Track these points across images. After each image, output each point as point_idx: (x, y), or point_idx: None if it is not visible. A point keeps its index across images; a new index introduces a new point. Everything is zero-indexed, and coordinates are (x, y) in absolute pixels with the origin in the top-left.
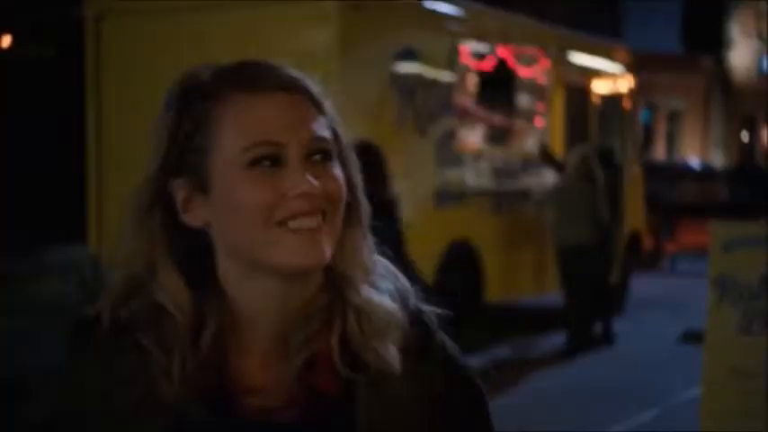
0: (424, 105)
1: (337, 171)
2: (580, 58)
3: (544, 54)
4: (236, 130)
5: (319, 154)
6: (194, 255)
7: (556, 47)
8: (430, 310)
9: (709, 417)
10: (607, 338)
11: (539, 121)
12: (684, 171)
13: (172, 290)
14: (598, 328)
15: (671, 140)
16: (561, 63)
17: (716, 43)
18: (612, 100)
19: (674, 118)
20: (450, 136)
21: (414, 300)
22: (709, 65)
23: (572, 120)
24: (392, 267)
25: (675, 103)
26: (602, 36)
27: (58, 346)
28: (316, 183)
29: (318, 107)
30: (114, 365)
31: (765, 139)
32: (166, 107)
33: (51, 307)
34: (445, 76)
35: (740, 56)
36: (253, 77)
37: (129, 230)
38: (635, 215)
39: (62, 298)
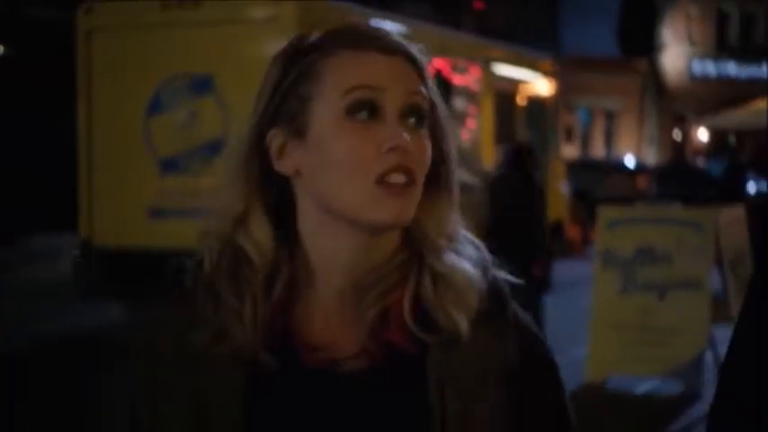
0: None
1: (426, 137)
2: (507, 68)
3: (476, 64)
4: (337, 78)
5: (414, 115)
6: (279, 204)
7: (485, 58)
8: (505, 280)
9: (594, 366)
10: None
11: (471, 123)
12: (618, 167)
13: (259, 237)
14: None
15: (608, 138)
16: (490, 72)
17: (649, 47)
18: (536, 103)
19: (610, 117)
20: None
21: (492, 269)
22: (644, 67)
23: (500, 121)
24: (473, 237)
25: (612, 104)
26: (543, 41)
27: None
28: (408, 141)
29: (419, 73)
30: (191, 309)
31: (696, 137)
32: (272, 64)
33: (42, 290)
34: None
35: (672, 59)
36: (359, 37)
37: (229, 179)
38: (557, 205)
39: (51, 282)
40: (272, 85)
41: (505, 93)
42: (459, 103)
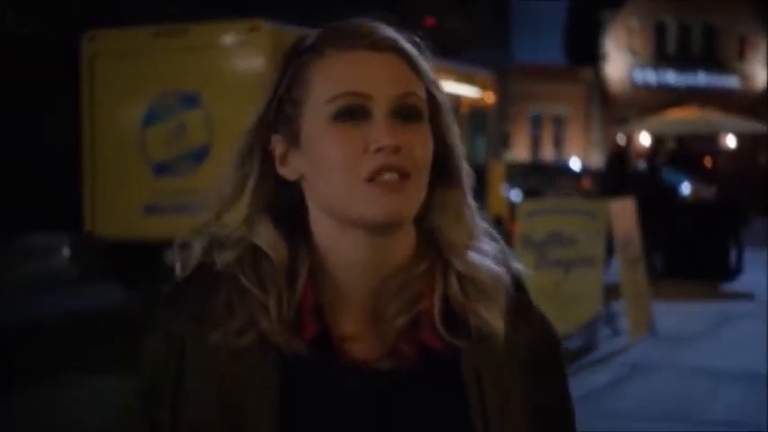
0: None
1: (426, 132)
2: (450, 85)
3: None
4: (325, 82)
5: (408, 112)
6: (290, 207)
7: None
8: (520, 266)
9: None
10: None
11: None
12: (564, 169)
13: (266, 235)
14: None
15: (557, 143)
16: (435, 86)
17: (593, 57)
18: (478, 113)
19: (558, 123)
20: None
21: (514, 263)
22: (589, 76)
23: None
24: (492, 231)
25: (559, 110)
26: (494, 53)
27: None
28: (399, 138)
29: (414, 68)
30: (208, 308)
31: (638, 142)
32: (275, 67)
33: (44, 280)
34: None
35: (614, 68)
36: (348, 36)
37: (230, 181)
38: (497, 203)
39: (52, 273)
40: (272, 89)
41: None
42: None
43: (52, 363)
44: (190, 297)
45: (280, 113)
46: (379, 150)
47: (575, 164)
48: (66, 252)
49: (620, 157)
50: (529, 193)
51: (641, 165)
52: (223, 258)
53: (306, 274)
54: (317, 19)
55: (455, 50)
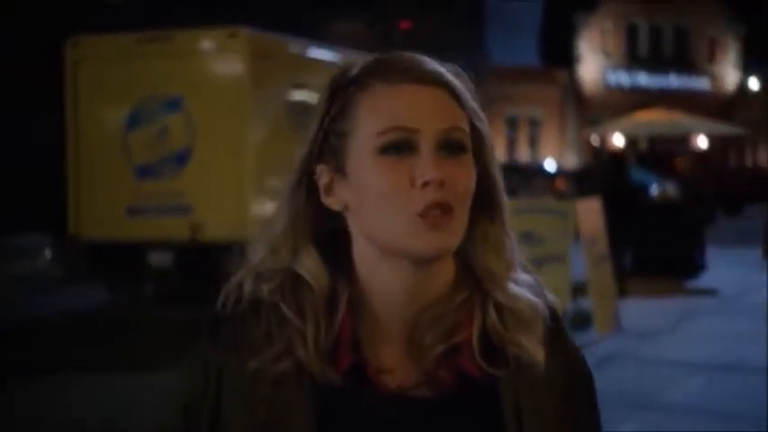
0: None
1: (469, 164)
2: None
3: None
4: (371, 116)
5: (452, 146)
6: (333, 236)
7: None
8: (553, 297)
9: None
10: None
11: None
12: (540, 170)
13: (310, 266)
14: None
15: (533, 144)
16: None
17: (568, 58)
18: None
19: (534, 124)
20: None
21: (548, 294)
22: (563, 78)
23: None
24: (525, 263)
25: (535, 112)
26: (471, 55)
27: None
28: (445, 172)
29: (458, 101)
30: (247, 338)
31: (611, 142)
32: (320, 97)
33: (30, 280)
34: None
35: (588, 70)
36: (394, 69)
37: (278, 211)
38: None
39: (38, 272)
40: (317, 120)
41: None
42: None
43: (39, 363)
44: (228, 328)
45: (325, 144)
46: (425, 184)
47: (550, 165)
48: (49, 253)
49: (617, 159)
50: (518, 195)
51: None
52: (265, 287)
53: (345, 305)
54: (294, 22)
55: (431, 53)
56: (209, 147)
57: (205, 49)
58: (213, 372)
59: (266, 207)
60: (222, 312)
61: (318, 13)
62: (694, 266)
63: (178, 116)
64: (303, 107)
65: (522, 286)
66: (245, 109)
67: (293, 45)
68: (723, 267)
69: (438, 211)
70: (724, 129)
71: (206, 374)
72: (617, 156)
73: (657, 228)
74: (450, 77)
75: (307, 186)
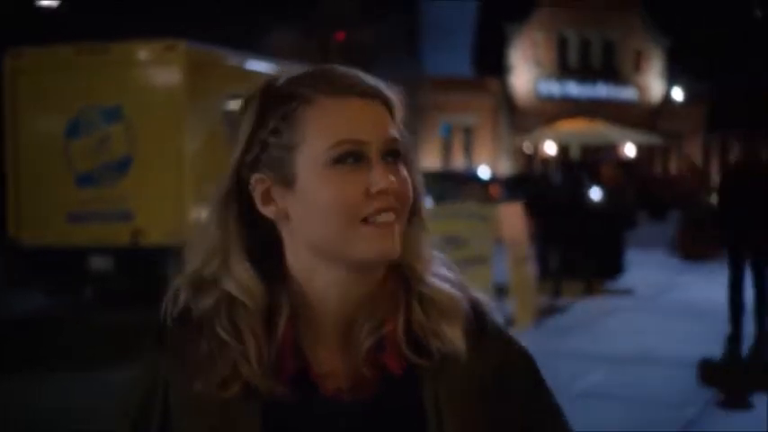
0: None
1: (405, 172)
2: None
3: None
4: (322, 130)
5: (392, 155)
6: (265, 246)
7: None
8: (481, 295)
9: None
10: None
11: None
12: (473, 177)
13: (243, 279)
14: None
15: (467, 151)
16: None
17: (501, 68)
18: None
19: (468, 132)
20: None
21: (472, 290)
22: (496, 87)
23: None
24: (445, 258)
25: (469, 120)
26: (406, 65)
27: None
28: (392, 181)
29: (391, 113)
30: (191, 354)
31: (543, 150)
32: (243, 110)
33: None
34: None
35: (520, 79)
36: (338, 83)
37: (207, 222)
38: None
39: None
40: (249, 131)
41: None
42: None
43: None
44: (174, 340)
45: (263, 155)
46: (380, 193)
47: (483, 172)
48: None
49: (573, 169)
50: (439, 200)
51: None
52: (200, 306)
53: (286, 316)
54: (231, 33)
55: (367, 64)
56: (148, 155)
57: (144, 60)
58: (161, 382)
59: (204, 213)
60: (165, 325)
61: (255, 24)
62: (614, 268)
63: (118, 125)
64: (240, 118)
65: (444, 281)
66: (182, 119)
67: (230, 57)
68: (643, 269)
69: (391, 215)
70: (646, 139)
71: (155, 383)
72: (543, 163)
73: (582, 231)
74: (387, 92)
75: (238, 197)
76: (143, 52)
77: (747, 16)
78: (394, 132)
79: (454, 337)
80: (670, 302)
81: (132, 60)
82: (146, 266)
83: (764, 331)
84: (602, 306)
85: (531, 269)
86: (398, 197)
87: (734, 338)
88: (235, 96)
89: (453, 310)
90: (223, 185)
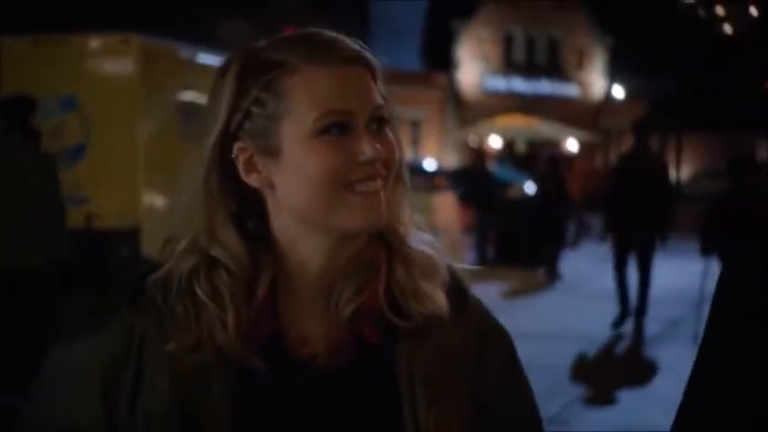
0: (200, 125)
1: (391, 136)
2: None
3: None
4: (309, 100)
5: (377, 121)
6: (250, 211)
7: None
8: (455, 263)
9: None
10: None
11: None
12: (419, 169)
13: (227, 243)
14: None
15: (414, 145)
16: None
17: (448, 63)
18: None
19: (415, 126)
20: None
21: (444, 253)
22: (443, 82)
23: None
24: (422, 224)
25: (416, 114)
26: None
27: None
28: (378, 149)
29: (374, 78)
30: (167, 315)
31: (488, 144)
32: (222, 79)
33: None
34: None
35: (467, 74)
36: (319, 50)
37: (190, 191)
38: None
39: None
40: (230, 100)
41: None
42: None
43: None
44: (152, 299)
45: (247, 124)
46: (366, 163)
47: (429, 164)
48: None
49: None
50: None
51: (502, 167)
52: (180, 269)
53: (267, 282)
54: (182, 25)
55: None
56: (102, 142)
57: (100, 52)
58: (136, 339)
59: (156, 198)
60: (144, 284)
61: (207, 18)
62: (549, 257)
63: (73, 114)
64: (192, 107)
65: (423, 244)
66: (136, 109)
67: (183, 50)
68: (576, 258)
69: (377, 184)
70: (588, 135)
71: (129, 339)
72: (481, 156)
73: (517, 223)
74: (368, 55)
75: (221, 165)
76: (100, 45)
77: (684, 18)
78: (379, 99)
79: (436, 296)
80: (592, 288)
81: (88, 52)
82: (100, 249)
83: (639, 319)
84: (531, 290)
85: (462, 255)
86: (385, 164)
87: (619, 323)
88: (187, 87)
89: (435, 271)
90: (206, 153)
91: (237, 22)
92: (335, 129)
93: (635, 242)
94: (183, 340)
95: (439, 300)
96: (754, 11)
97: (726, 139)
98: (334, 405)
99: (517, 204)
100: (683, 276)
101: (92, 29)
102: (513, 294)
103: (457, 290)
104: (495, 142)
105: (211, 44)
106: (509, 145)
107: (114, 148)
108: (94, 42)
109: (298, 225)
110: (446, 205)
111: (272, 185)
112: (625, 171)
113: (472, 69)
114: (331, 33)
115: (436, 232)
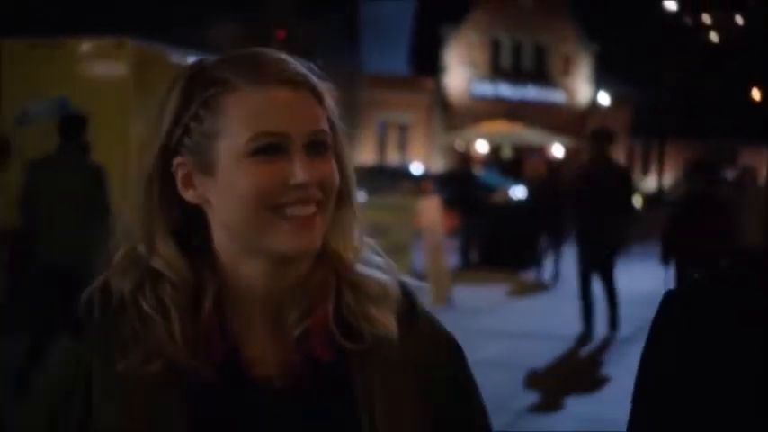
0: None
1: (332, 162)
2: None
3: None
4: (243, 120)
5: (318, 146)
6: (192, 228)
7: None
8: (411, 282)
9: None
10: None
11: None
12: (407, 173)
13: (168, 256)
14: None
15: (402, 148)
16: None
17: (436, 68)
18: None
19: (403, 130)
20: None
21: (397, 273)
22: (431, 86)
23: None
24: (375, 246)
25: (404, 118)
26: (344, 63)
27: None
28: (313, 173)
29: (319, 100)
30: (115, 336)
31: (475, 149)
32: (170, 90)
33: None
34: None
35: (455, 80)
36: (261, 71)
37: (132, 203)
38: None
39: None
40: (173, 114)
41: None
42: None
43: None
44: (94, 325)
45: (185, 139)
46: (298, 186)
47: (416, 168)
48: None
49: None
50: (373, 194)
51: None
52: (124, 286)
53: (212, 296)
54: (174, 29)
55: (305, 60)
56: (95, 145)
57: (94, 56)
58: (82, 369)
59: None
60: (87, 309)
61: (197, 22)
62: (531, 260)
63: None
64: None
65: (372, 267)
66: (128, 111)
67: (174, 55)
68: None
69: (310, 209)
70: (573, 141)
71: (76, 367)
72: (467, 161)
73: (502, 226)
74: (313, 79)
75: (162, 178)
76: (94, 49)
77: (669, 26)
78: (320, 123)
79: (385, 320)
80: (573, 290)
81: (82, 56)
82: None
83: (613, 325)
84: (512, 292)
85: (444, 256)
86: (322, 188)
87: (586, 318)
88: None
89: (383, 295)
90: (148, 165)
91: (229, 25)
92: (269, 150)
93: (594, 256)
94: (131, 358)
95: (388, 323)
96: (739, 19)
97: (710, 146)
98: (292, 426)
99: (502, 209)
100: (658, 279)
101: (88, 31)
102: (492, 296)
103: (409, 306)
104: (481, 147)
105: (203, 49)
106: (495, 150)
107: (107, 151)
108: (89, 46)
109: (234, 245)
110: (431, 209)
111: (208, 202)
112: (587, 180)
113: (460, 74)
114: (280, 55)
115: (420, 235)
